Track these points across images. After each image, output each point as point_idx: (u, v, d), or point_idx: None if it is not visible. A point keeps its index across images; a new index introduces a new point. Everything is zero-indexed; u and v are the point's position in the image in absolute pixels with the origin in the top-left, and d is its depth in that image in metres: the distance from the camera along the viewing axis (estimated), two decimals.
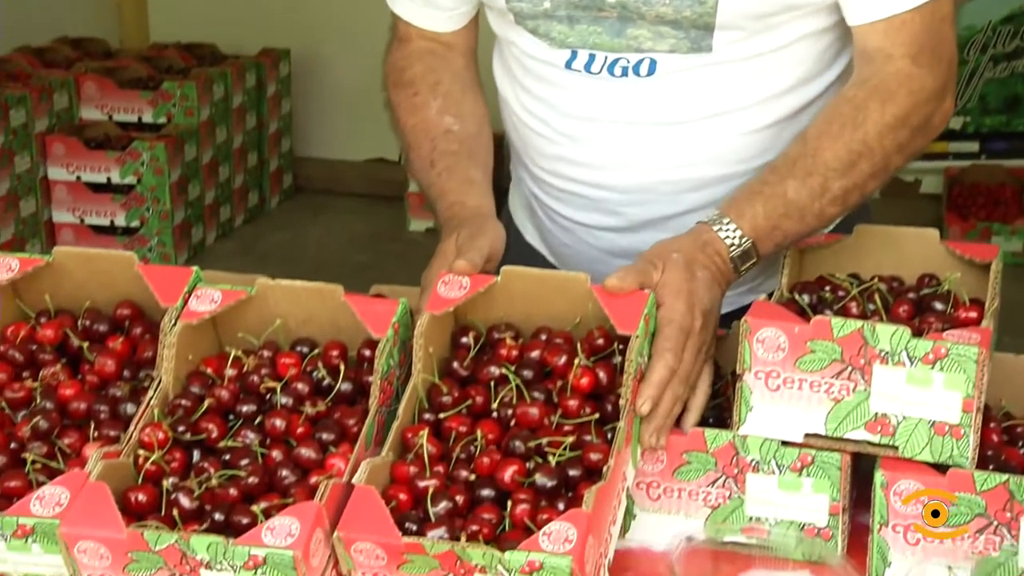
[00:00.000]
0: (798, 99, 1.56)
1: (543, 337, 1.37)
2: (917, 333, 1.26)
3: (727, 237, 1.40)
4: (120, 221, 4.53)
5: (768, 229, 1.41)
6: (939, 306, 1.37)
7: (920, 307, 1.38)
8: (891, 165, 1.47)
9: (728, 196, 1.46)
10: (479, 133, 1.62)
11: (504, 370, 1.31)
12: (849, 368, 1.26)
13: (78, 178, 4.49)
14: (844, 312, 1.37)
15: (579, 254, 1.69)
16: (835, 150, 1.43)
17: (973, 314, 1.34)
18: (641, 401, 1.27)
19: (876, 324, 1.25)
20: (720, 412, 1.40)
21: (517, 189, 1.79)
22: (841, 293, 1.40)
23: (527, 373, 1.31)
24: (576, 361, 1.30)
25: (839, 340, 1.26)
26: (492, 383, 1.31)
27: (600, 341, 1.34)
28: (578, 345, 1.33)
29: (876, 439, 1.27)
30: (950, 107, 1.51)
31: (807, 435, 1.29)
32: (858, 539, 1.31)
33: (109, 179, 4.49)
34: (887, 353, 1.24)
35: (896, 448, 1.26)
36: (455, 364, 1.34)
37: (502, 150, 1.76)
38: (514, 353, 1.34)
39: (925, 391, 1.24)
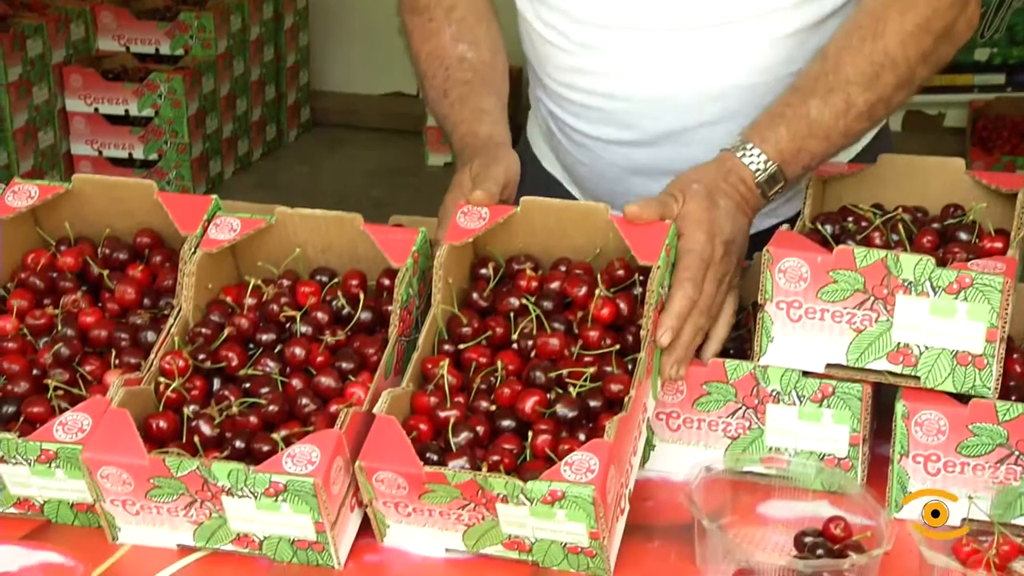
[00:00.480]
0: (819, 8, 1.52)
1: (563, 268, 1.36)
2: (941, 263, 1.24)
3: (751, 163, 1.38)
4: (138, 154, 4.53)
5: (793, 152, 1.39)
6: (964, 236, 1.35)
7: (944, 237, 1.36)
8: (916, 75, 1.44)
9: (750, 122, 1.44)
10: (493, 61, 1.60)
11: (524, 301, 1.31)
12: (872, 298, 1.25)
13: (96, 110, 4.48)
14: (867, 242, 1.35)
15: (597, 173, 1.67)
16: (856, 64, 1.40)
17: (998, 244, 1.33)
18: (661, 332, 1.26)
19: (900, 254, 1.24)
20: (741, 343, 1.40)
21: (535, 114, 1.78)
22: (864, 223, 1.39)
23: (547, 304, 1.31)
24: (596, 292, 1.29)
25: (862, 270, 1.24)
26: (512, 314, 1.31)
27: (620, 272, 1.33)
28: (598, 276, 1.32)
29: (898, 369, 1.26)
30: (974, 13, 1.46)
31: (828, 365, 1.29)
32: (878, 470, 1.31)
33: (127, 111, 4.48)
34: (910, 283, 1.23)
35: (918, 378, 1.26)
36: (474, 295, 1.34)
37: (520, 84, 1.75)
38: (534, 284, 1.34)
39: (948, 321, 1.23)
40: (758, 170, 1.37)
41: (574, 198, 1.72)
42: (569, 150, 1.69)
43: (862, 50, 1.40)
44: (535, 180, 1.73)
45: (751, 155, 1.38)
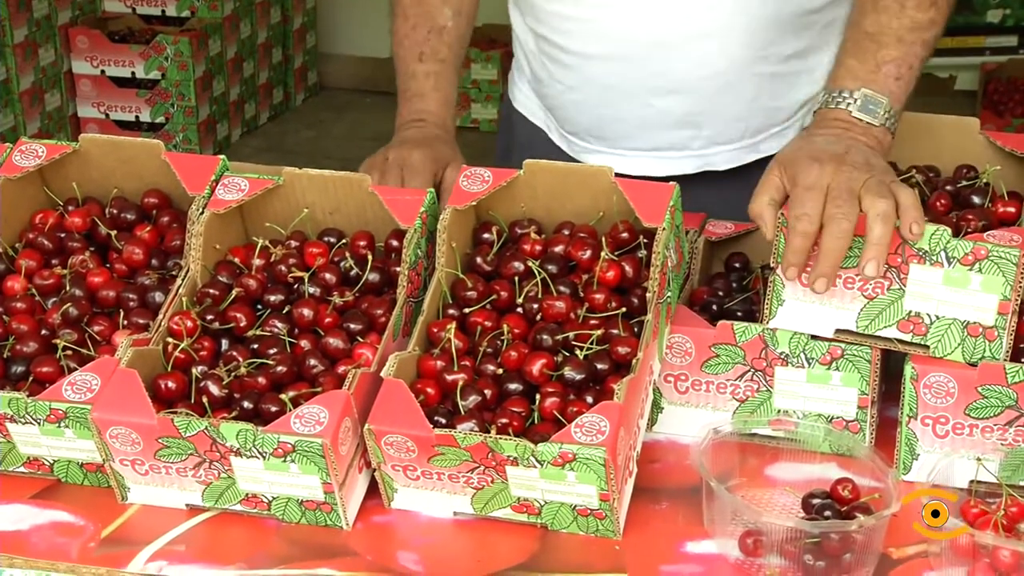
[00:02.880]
0: None
1: (566, 232, 1.36)
2: (956, 231, 1.23)
3: (837, 102, 1.34)
4: (145, 117, 4.52)
5: (871, 69, 1.34)
6: (977, 200, 1.34)
7: (958, 200, 1.35)
8: None
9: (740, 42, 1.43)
10: (465, 34, 1.67)
11: (529, 264, 1.30)
12: (885, 266, 1.24)
13: (102, 72, 4.46)
14: None
15: (583, 99, 1.65)
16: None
17: (1011, 209, 1.32)
18: (786, 266, 1.24)
19: None
20: (749, 306, 1.39)
21: (518, 66, 1.78)
22: None
23: (552, 268, 1.31)
24: (602, 255, 1.29)
25: None
26: (516, 278, 1.30)
27: (625, 235, 1.32)
28: (603, 239, 1.31)
29: (908, 338, 1.26)
30: None
31: (838, 331, 1.28)
32: (886, 432, 1.31)
33: (133, 74, 4.46)
34: (925, 252, 1.22)
35: (927, 347, 1.25)
36: (478, 259, 1.33)
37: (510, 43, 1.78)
38: (538, 248, 1.33)
39: (961, 292, 1.23)
40: (847, 102, 1.34)
41: (560, 148, 1.72)
42: (557, 77, 1.67)
43: None
44: (523, 134, 1.76)
45: (832, 95, 1.35)
